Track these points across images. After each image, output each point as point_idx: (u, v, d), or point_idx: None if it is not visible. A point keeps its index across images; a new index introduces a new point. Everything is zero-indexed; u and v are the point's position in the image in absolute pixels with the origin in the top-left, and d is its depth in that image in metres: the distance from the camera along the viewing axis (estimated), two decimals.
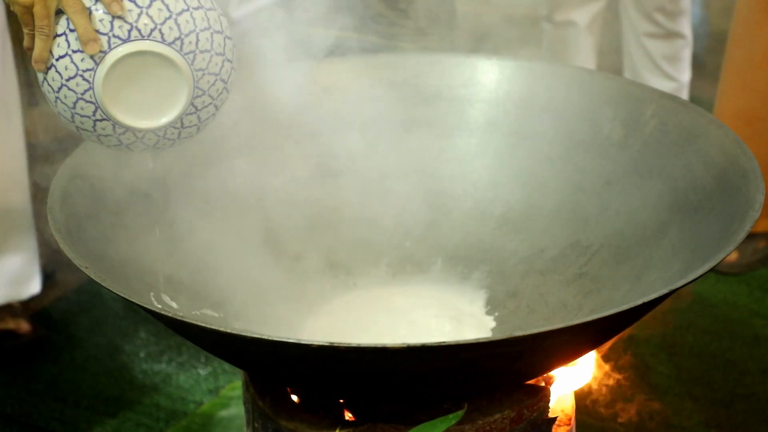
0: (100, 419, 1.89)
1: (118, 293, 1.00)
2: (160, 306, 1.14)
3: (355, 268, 1.40)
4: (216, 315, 1.24)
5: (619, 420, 1.82)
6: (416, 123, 1.47)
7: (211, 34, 1.07)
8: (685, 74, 2.77)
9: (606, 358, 1.96)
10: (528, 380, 1.14)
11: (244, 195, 1.36)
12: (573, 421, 1.23)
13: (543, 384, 1.16)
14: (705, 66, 3.40)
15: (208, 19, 1.07)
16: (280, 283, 1.35)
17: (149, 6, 1.03)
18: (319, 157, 1.43)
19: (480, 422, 1.10)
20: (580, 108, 1.39)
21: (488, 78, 1.46)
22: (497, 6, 2.46)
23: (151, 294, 1.17)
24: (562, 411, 1.22)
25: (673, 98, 1.32)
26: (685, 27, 2.72)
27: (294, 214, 1.40)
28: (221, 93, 1.11)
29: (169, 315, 0.97)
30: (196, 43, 1.06)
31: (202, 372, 2.01)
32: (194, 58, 1.06)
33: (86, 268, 1.03)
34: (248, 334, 0.93)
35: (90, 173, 1.21)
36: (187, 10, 1.05)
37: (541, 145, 1.41)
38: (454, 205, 1.44)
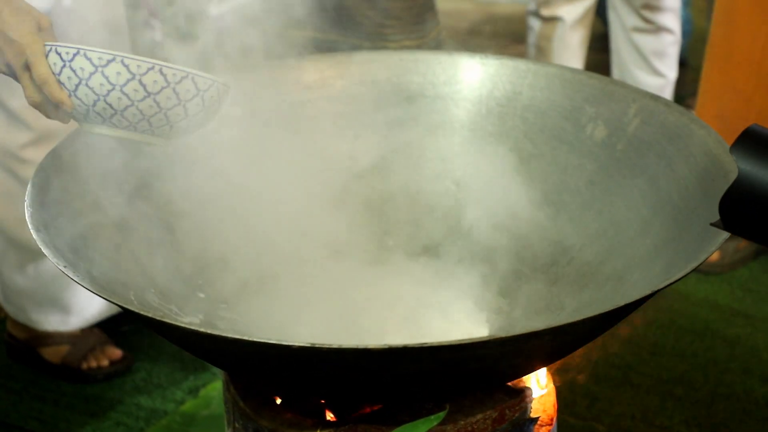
0: (80, 418, 1.88)
1: (96, 292, 0.99)
2: (139, 305, 1.12)
3: (336, 266, 1.39)
4: (199, 316, 1.23)
5: (601, 420, 1.82)
6: (399, 121, 1.47)
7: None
8: (673, 71, 2.78)
9: (587, 357, 1.96)
10: (510, 381, 1.13)
11: (224, 192, 1.35)
12: (555, 421, 1.23)
13: (525, 384, 1.16)
14: (688, 64, 3.41)
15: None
16: (261, 282, 1.34)
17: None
18: (300, 154, 1.43)
19: (462, 422, 1.09)
20: (563, 107, 1.39)
21: (471, 76, 1.45)
22: (481, 2, 2.46)
23: (131, 293, 1.16)
24: (544, 411, 1.22)
25: (655, 98, 1.32)
26: (673, 22, 2.72)
27: (274, 211, 1.39)
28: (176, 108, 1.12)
29: (148, 315, 0.96)
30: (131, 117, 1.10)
31: (183, 371, 2.00)
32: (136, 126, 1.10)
33: (64, 267, 1.02)
34: (228, 335, 0.92)
35: (70, 170, 1.20)
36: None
37: (524, 144, 1.40)
38: (437, 203, 1.44)
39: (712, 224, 0.98)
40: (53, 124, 1.82)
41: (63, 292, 1.95)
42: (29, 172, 1.83)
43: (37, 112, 1.80)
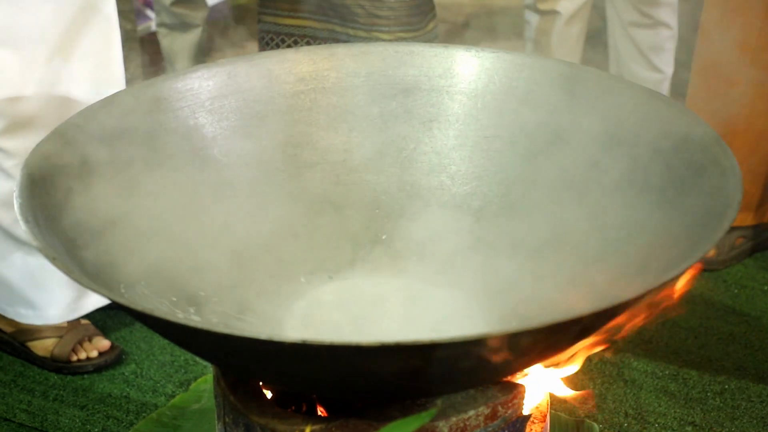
0: (69, 411, 1.87)
1: (85, 285, 0.98)
2: (128, 298, 1.11)
3: (330, 262, 1.38)
4: (190, 310, 1.22)
5: (594, 416, 1.81)
6: (393, 114, 1.45)
7: None
8: (670, 66, 2.78)
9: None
10: (503, 377, 1.12)
11: (215, 185, 1.34)
12: (547, 418, 1.22)
13: (518, 381, 1.15)
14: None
15: None
16: (254, 276, 1.33)
17: None
18: (294, 147, 1.42)
19: (454, 419, 1.08)
20: (560, 101, 1.38)
21: (467, 69, 1.44)
22: None
23: (121, 285, 1.15)
24: (537, 408, 1.21)
25: (653, 93, 1.31)
26: (670, 17, 2.72)
27: (267, 205, 1.38)
28: None
29: (137, 309, 0.94)
30: None
31: (174, 364, 1.99)
32: None
33: (54, 259, 1.00)
34: (219, 330, 0.91)
35: (60, 161, 1.19)
36: None
37: (520, 138, 1.39)
38: (431, 198, 1.43)
39: None
40: (25, 112, 1.80)
41: (31, 289, 1.92)
42: (4, 161, 1.81)
43: (7, 99, 1.76)
